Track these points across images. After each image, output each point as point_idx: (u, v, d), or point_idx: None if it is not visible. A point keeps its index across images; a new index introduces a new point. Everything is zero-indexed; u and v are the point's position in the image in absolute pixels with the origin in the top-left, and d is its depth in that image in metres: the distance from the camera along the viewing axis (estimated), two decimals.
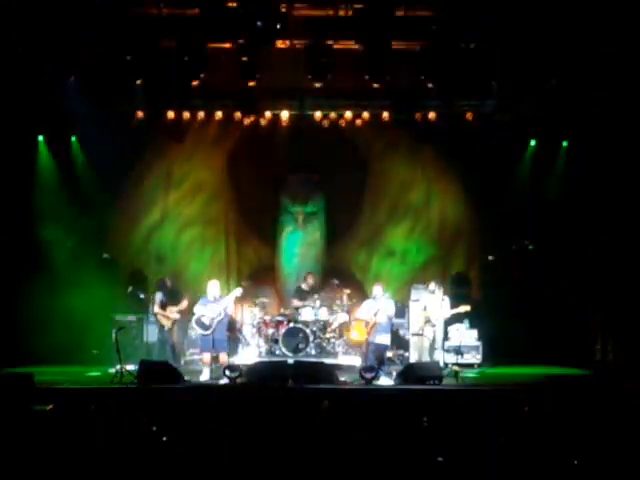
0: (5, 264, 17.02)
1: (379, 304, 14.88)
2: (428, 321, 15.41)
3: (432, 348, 15.41)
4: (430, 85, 15.20)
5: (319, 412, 11.77)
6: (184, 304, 15.66)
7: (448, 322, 16.05)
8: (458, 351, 15.76)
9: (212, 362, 14.58)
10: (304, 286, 17.42)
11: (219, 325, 14.47)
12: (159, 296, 15.63)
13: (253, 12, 13.82)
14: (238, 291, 14.98)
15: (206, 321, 14.43)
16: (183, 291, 16.31)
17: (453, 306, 15.61)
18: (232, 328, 16.18)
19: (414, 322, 16.14)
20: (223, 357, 14.59)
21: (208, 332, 14.43)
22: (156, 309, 15.60)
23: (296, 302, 17.17)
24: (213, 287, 14.76)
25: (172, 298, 15.73)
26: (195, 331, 15.39)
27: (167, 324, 15.58)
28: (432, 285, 15.68)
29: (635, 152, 15.77)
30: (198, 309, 14.62)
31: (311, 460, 9.41)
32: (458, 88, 15.68)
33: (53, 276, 16.72)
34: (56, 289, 16.52)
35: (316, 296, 17.12)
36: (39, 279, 16.46)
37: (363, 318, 15.16)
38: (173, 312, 15.60)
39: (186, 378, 14.07)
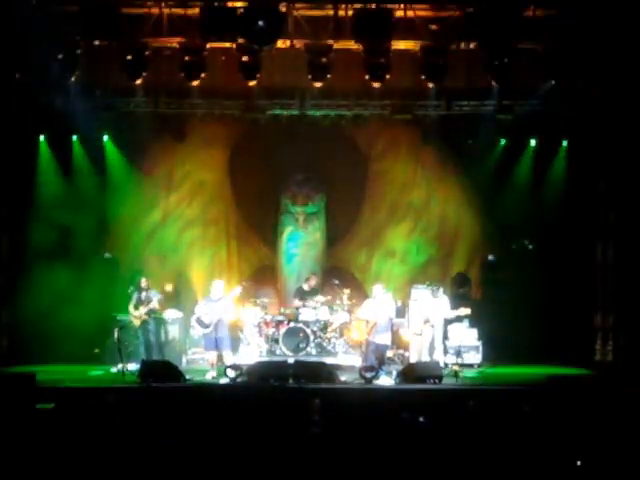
0: (5, 264, 17.05)
1: (379, 304, 14.89)
2: (427, 321, 15.41)
3: (432, 348, 15.42)
4: (430, 85, 15.21)
5: (310, 410, 11.82)
6: (153, 304, 15.67)
7: (448, 322, 16.06)
8: (458, 351, 15.76)
9: (218, 361, 14.65)
10: (305, 287, 17.45)
11: (219, 324, 14.56)
12: (135, 295, 15.70)
13: (254, 12, 13.84)
14: (237, 290, 15.13)
15: (205, 320, 14.59)
16: (155, 291, 16.27)
17: (453, 307, 15.61)
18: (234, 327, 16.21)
19: (414, 322, 16.15)
20: (227, 355, 14.68)
21: (207, 330, 14.57)
22: (130, 308, 15.67)
23: (297, 302, 17.20)
24: (216, 287, 14.92)
25: (146, 298, 15.70)
26: (196, 330, 15.44)
27: (136, 323, 15.62)
28: (440, 290, 15.68)
29: (635, 151, 15.77)
30: (199, 308, 14.74)
31: (311, 460, 9.43)
32: (458, 88, 15.76)
33: (54, 275, 16.72)
34: (57, 288, 16.53)
35: (317, 297, 17.13)
36: (40, 278, 16.48)
37: (364, 318, 15.19)
38: (142, 312, 15.58)
39: (188, 377, 14.12)
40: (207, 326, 14.58)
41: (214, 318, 14.57)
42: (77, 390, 13.05)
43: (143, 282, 15.82)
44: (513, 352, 16.73)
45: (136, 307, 15.66)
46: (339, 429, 10.62)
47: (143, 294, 15.67)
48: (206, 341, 14.87)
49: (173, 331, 16.82)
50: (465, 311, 15.56)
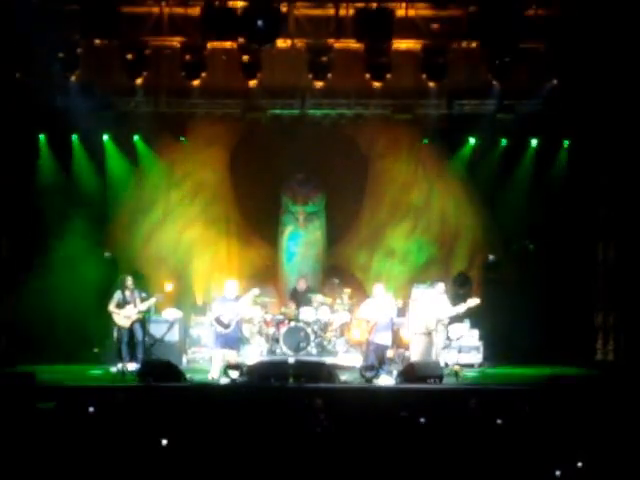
0: (6, 263, 17.04)
1: (380, 304, 14.90)
2: (440, 320, 15.36)
3: (442, 348, 15.38)
4: (431, 84, 15.21)
5: (313, 410, 11.82)
6: (145, 305, 15.65)
7: (448, 321, 16.05)
8: (459, 350, 15.77)
9: (222, 359, 14.61)
10: (298, 288, 17.55)
11: (236, 324, 14.54)
12: (117, 295, 15.59)
13: (254, 11, 13.84)
14: (255, 291, 15.01)
15: (225, 319, 14.46)
16: (148, 292, 16.26)
17: (459, 303, 15.56)
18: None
19: (416, 321, 16.12)
20: (232, 355, 14.59)
21: (228, 330, 14.47)
22: (111, 307, 15.50)
23: (291, 304, 17.28)
24: (232, 286, 14.80)
25: (131, 297, 15.64)
26: (202, 327, 15.39)
27: (124, 323, 15.52)
28: (440, 286, 15.64)
29: (636, 151, 15.76)
30: (217, 308, 14.65)
31: (311, 459, 9.42)
32: (459, 87, 15.75)
33: (54, 275, 16.73)
34: (57, 288, 16.54)
35: (313, 297, 17.14)
36: (40, 278, 16.47)
37: (364, 317, 15.18)
38: (131, 312, 15.51)
39: (188, 377, 14.10)
40: (227, 326, 14.44)
41: (233, 317, 14.53)
42: (77, 390, 13.05)
43: (129, 281, 15.67)
44: (514, 352, 16.73)
45: (119, 306, 15.51)
46: (339, 429, 10.61)
47: (127, 293, 15.55)
48: (218, 339, 14.72)
49: (173, 330, 16.78)
50: (475, 301, 15.46)
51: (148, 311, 15.97)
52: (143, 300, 15.60)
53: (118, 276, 16.96)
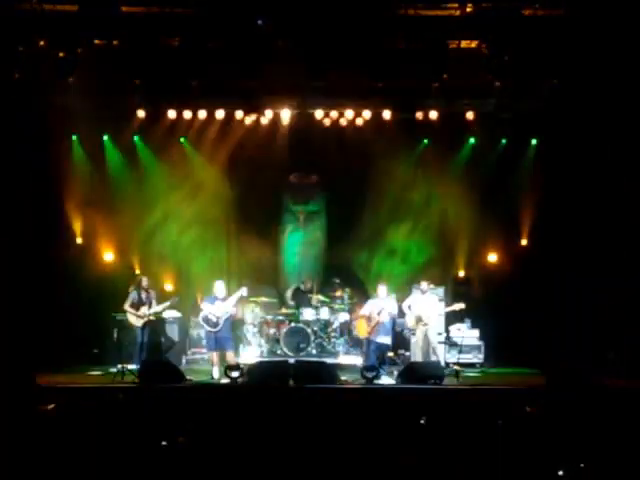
0: (5, 263, 17.03)
1: (383, 304, 14.93)
2: (419, 320, 15.39)
3: (427, 346, 15.40)
4: (431, 83, 15.22)
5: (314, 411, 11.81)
6: (161, 307, 15.72)
7: (449, 321, 16.06)
8: (459, 351, 15.78)
9: (219, 360, 14.69)
10: (303, 288, 17.53)
11: (225, 323, 14.66)
12: (133, 294, 15.63)
13: (254, 12, 13.86)
14: (243, 290, 15.16)
15: (213, 319, 14.65)
16: (163, 293, 16.31)
17: (459, 302, 15.61)
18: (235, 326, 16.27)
19: (408, 322, 16.17)
20: (230, 355, 14.73)
21: (215, 329, 14.63)
22: (126, 306, 15.59)
23: (291, 302, 17.31)
24: (219, 286, 14.98)
25: (147, 298, 15.67)
26: (202, 329, 15.49)
27: (137, 323, 15.56)
28: (424, 285, 15.69)
29: (636, 151, 15.76)
30: (205, 307, 14.79)
31: (311, 459, 9.41)
32: (459, 88, 15.74)
33: (54, 276, 16.72)
34: (57, 289, 16.53)
35: (313, 297, 17.14)
36: (40, 279, 16.47)
37: (367, 314, 15.25)
38: (146, 312, 15.55)
39: (188, 377, 14.12)
40: (216, 325, 14.67)
41: (221, 318, 14.61)
42: (77, 390, 13.05)
43: (144, 282, 15.79)
44: (514, 352, 16.72)
45: (135, 307, 15.58)
46: (339, 429, 10.61)
47: (143, 294, 15.63)
48: (209, 341, 14.90)
49: (173, 331, 16.82)
50: (459, 306, 15.55)
51: (161, 313, 16.05)
52: (174, 302, 15.74)
53: (118, 276, 17.06)
